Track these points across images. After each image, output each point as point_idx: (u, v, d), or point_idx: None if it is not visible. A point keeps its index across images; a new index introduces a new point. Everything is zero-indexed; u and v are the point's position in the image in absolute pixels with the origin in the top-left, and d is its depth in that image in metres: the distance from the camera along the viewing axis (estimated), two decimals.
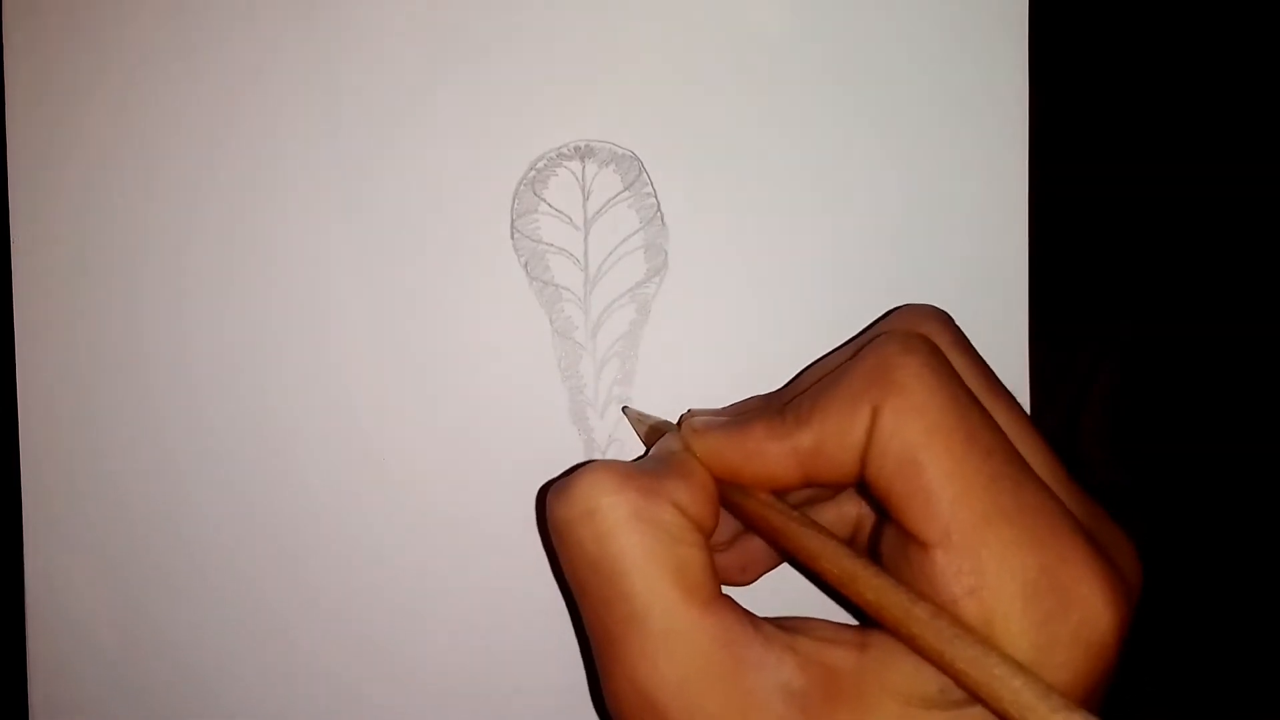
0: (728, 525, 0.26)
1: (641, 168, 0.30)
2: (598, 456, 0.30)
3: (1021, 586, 0.20)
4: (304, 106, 0.30)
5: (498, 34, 0.30)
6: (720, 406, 0.28)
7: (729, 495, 0.24)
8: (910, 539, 0.21)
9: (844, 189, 0.30)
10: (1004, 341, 0.30)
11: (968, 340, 0.25)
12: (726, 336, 0.30)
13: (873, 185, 0.30)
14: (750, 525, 0.25)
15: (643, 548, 0.22)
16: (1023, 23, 0.30)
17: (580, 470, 0.23)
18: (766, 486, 0.24)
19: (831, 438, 0.22)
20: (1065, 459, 0.24)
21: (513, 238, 0.30)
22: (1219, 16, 0.32)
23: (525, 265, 0.30)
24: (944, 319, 0.25)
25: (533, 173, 0.30)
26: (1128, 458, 0.32)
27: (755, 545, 0.27)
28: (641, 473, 0.23)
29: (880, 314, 0.30)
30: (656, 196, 0.30)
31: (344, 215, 0.30)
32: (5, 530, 0.30)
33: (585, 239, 0.31)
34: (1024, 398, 0.30)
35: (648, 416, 0.29)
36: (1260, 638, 0.32)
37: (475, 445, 0.30)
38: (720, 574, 0.24)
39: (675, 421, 0.29)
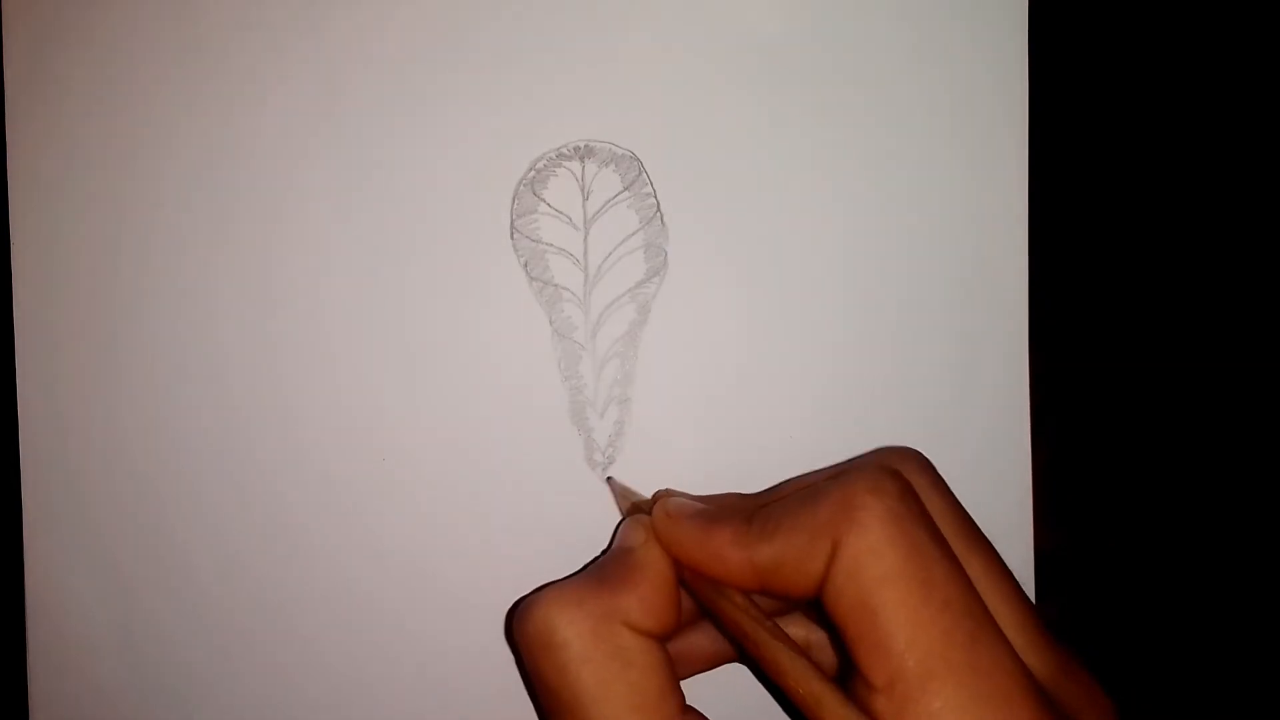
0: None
1: (641, 168, 0.30)
2: (598, 457, 0.30)
3: None
4: (304, 107, 0.30)
5: (498, 34, 0.30)
6: (701, 491, 0.28)
7: (703, 589, 0.24)
8: (859, 674, 0.21)
9: (843, 189, 0.30)
10: (1004, 344, 0.30)
11: (945, 484, 0.25)
12: (726, 336, 0.30)
13: (872, 186, 0.30)
14: (717, 621, 0.25)
15: (597, 680, 0.22)
16: (1023, 22, 0.30)
17: (539, 595, 0.24)
18: (725, 584, 0.24)
19: (789, 561, 0.22)
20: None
21: (513, 238, 0.30)
22: (1219, 17, 0.32)
23: (525, 265, 0.30)
24: (923, 461, 0.25)
25: (533, 173, 0.30)
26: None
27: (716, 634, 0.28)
28: (598, 591, 0.23)
29: (879, 316, 0.30)
30: (656, 196, 0.30)
31: (344, 215, 0.30)
32: (5, 530, 0.30)
33: (585, 239, 0.31)
34: (1024, 399, 0.30)
35: (632, 493, 0.29)
36: (1260, 635, 0.32)
37: (475, 445, 0.30)
38: (687, 663, 0.26)
39: (652, 496, 0.28)
